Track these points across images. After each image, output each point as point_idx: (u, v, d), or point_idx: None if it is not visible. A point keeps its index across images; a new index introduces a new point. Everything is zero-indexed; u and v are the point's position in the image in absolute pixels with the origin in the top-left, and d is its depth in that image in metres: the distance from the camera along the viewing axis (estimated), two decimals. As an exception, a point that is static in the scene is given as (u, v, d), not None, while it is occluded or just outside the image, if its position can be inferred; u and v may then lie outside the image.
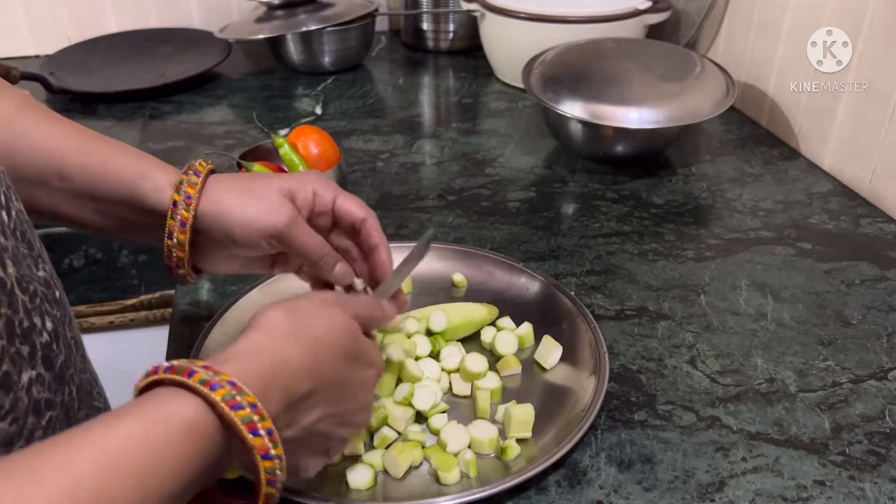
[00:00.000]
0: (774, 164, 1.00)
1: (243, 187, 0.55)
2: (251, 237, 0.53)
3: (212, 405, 0.37)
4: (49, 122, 0.54)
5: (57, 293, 0.47)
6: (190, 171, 0.53)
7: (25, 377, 0.40)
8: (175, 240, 0.53)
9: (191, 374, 0.37)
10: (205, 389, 0.37)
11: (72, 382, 0.46)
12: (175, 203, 0.52)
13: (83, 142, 0.54)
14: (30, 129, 0.53)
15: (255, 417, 0.38)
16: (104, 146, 0.54)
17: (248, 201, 0.53)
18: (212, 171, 0.55)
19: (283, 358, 0.42)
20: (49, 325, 0.44)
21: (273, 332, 0.43)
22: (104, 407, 0.54)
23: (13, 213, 0.44)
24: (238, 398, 0.37)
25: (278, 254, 0.59)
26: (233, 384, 0.37)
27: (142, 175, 0.53)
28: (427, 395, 0.59)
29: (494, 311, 0.69)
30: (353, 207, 0.57)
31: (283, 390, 0.41)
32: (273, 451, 0.39)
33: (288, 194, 0.54)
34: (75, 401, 0.46)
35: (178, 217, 0.52)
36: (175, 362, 0.38)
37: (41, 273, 0.45)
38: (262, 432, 0.38)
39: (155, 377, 0.38)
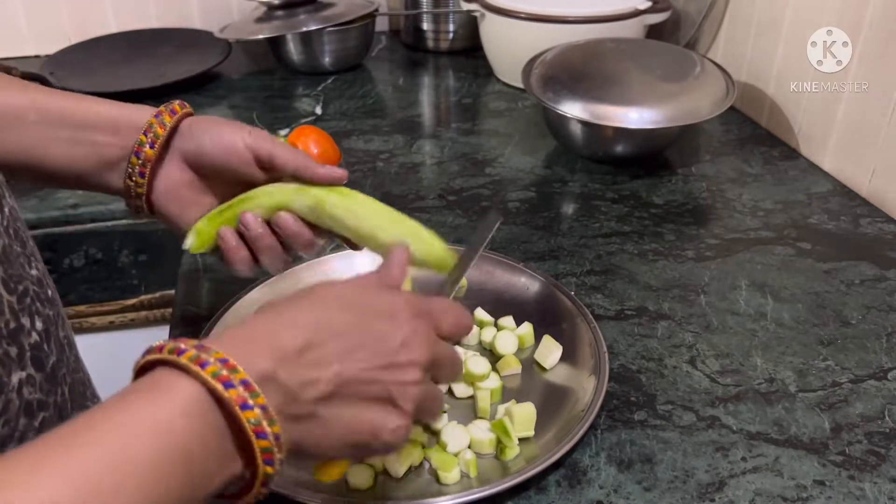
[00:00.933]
0: (774, 164, 1.00)
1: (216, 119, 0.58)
2: (223, 149, 0.54)
3: (203, 383, 0.35)
4: (8, 77, 0.57)
5: (49, 292, 0.47)
6: (168, 106, 0.56)
7: (15, 378, 0.40)
8: (142, 157, 0.54)
9: (181, 352, 0.36)
10: (195, 367, 0.35)
11: (64, 383, 0.46)
12: (150, 125, 0.55)
13: (53, 91, 0.57)
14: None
15: (246, 394, 0.36)
16: (76, 94, 0.57)
17: (221, 122, 0.56)
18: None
19: (263, 322, 0.40)
20: (39, 325, 0.43)
21: (259, 310, 0.42)
22: None
23: (6, 210, 0.44)
24: (230, 375, 0.36)
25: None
26: (224, 361, 0.36)
27: (118, 105, 0.56)
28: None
29: (453, 257, 0.61)
30: (289, 157, 0.56)
31: (269, 347, 0.39)
32: (268, 429, 0.36)
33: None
34: (68, 401, 0.46)
35: (152, 133, 0.54)
36: (164, 342, 0.37)
37: (34, 272, 0.45)
38: (254, 407, 0.36)
39: (149, 358, 0.37)
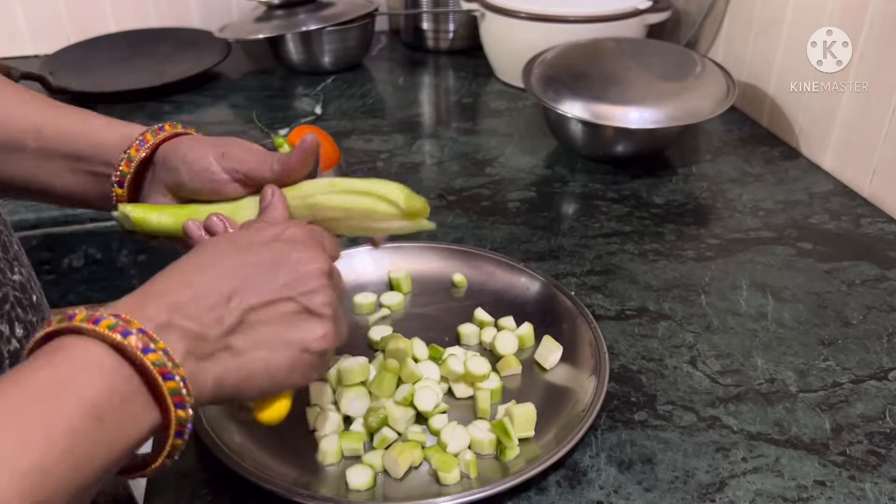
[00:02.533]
0: (775, 164, 1.00)
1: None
2: (198, 176, 0.52)
3: (101, 338, 0.36)
4: (15, 89, 0.56)
5: (34, 297, 0.46)
6: (142, 135, 0.54)
7: None
8: (115, 199, 0.53)
9: (71, 317, 0.36)
10: (89, 325, 0.36)
11: None
12: (120, 161, 0.53)
13: (56, 106, 0.56)
14: (5, 89, 0.54)
15: (147, 339, 0.36)
16: (78, 111, 0.56)
17: (193, 146, 0.53)
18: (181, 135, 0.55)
19: (150, 286, 0.41)
20: (19, 331, 0.43)
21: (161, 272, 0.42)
22: None
23: None
24: (126, 326, 0.36)
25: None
26: (117, 316, 0.36)
27: (112, 128, 0.55)
28: (429, 396, 0.59)
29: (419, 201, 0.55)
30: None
31: (161, 302, 0.39)
32: (174, 371, 0.37)
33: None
34: None
35: (118, 173, 0.53)
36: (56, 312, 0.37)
37: (16, 276, 0.44)
38: (155, 350, 0.36)
39: (41, 333, 0.37)
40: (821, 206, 0.90)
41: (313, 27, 1.25)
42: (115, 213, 0.53)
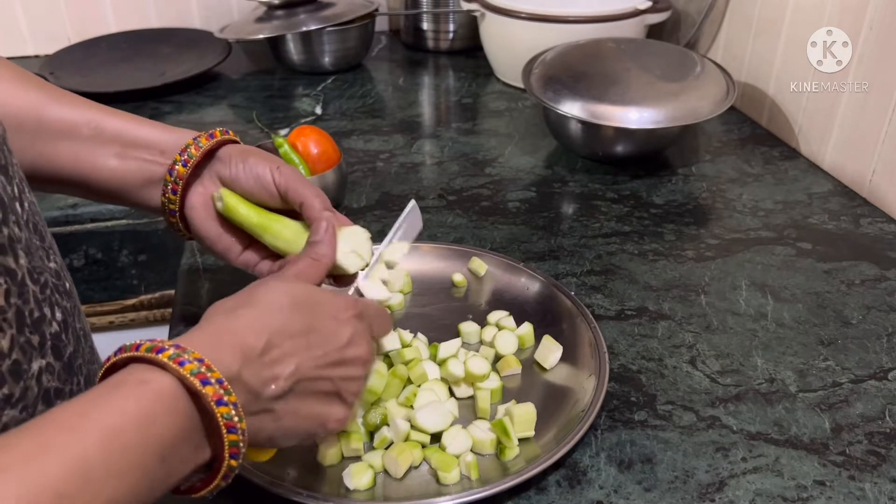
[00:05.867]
0: (774, 164, 1.00)
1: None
2: (255, 180, 0.57)
3: (181, 379, 0.38)
4: (64, 91, 0.60)
5: (67, 284, 0.48)
6: (208, 131, 0.59)
7: (35, 366, 0.41)
8: (174, 175, 0.57)
9: (160, 350, 0.38)
10: (174, 365, 0.38)
11: (80, 373, 0.47)
12: (187, 146, 0.57)
13: (105, 107, 0.60)
14: (55, 87, 0.59)
15: (221, 391, 0.39)
16: (128, 113, 0.60)
17: (256, 154, 0.59)
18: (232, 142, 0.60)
19: (226, 324, 0.43)
20: (59, 315, 0.45)
21: (215, 312, 0.45)
22: None
23: (26, 204, 0.45)
24: (207, 374, 0.38)
25: (252, 242, 0.61)
26: (201, 361, 0.39)
27: (168, 128, 0.60)
28: (434, 416, 0.58)
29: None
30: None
31: (236, 348, 0.41)
32: (238, 425, 0.39)
33: None
34: (84, 391, 0.47)
35: (186, 154, 0.57)
36: (140, 341, 0.39)
37: (52, 264, 0.46)
38: (227, 403, 0.39)
39: (124, 355, 0.39)
40: (820, 206, 0.90)
41: (313, 27, 1.25)
42: (215, 194, 0.59)
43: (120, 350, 0.40)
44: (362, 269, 0.57)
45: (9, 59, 0.59)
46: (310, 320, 0.46)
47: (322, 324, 0.46)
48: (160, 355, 0.38)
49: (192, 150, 0.57)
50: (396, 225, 0.61)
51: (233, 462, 0.40)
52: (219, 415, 0.39)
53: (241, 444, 0.40)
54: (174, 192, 0.58)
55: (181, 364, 0.38)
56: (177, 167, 0.57)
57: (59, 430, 0.34)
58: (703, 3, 1.20)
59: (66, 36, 1.40)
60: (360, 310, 0.50)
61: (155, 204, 0.59)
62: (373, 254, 0.59)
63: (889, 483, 0.54)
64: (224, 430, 0.39)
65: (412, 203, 0.63)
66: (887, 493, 0.54)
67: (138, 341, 0.39)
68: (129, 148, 0.58)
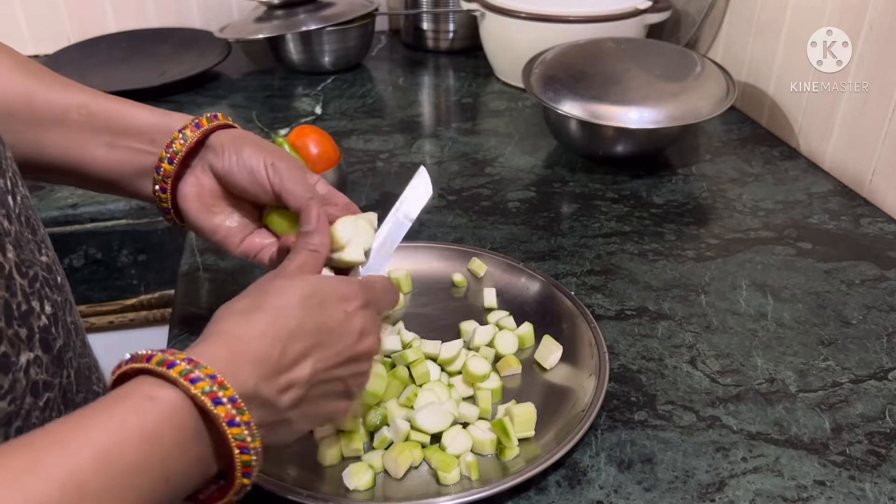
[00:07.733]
0: (774, 164, 1.00)
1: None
2: (248, 173, 0.55)
3: (192, 398, 0.37)
4: (55, 75, 0.58)
5: (59, 278, 0.48)
6: (195, 119, 0.57)
7: (23, 359, 0.41)
8: (161, 174, 0.56)
9: (171, 365, 0.37)
10: (185, 382, 0.37)
11: (70, 366, 0.47)
12: (173, 140, 0.56)
13: (97, 91, 0.58)
14: (48, 73, 0.57)
15: (234, 411, 0.38)
16: (118, 97, 0.58)
17: (249, 143, 0.57)
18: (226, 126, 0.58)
19: (240, 331, 0.42)
20: (48, 308, 0.44)
21: (227, 314, 0.44)
22: (103, 392, 0.54)
23: (18, 198, 0.45)
24: (219, 392, 0.37)
25: (251, 231, 0.59)
26: (213, 377, 0.38)
27: (159, 112, 0.58)
28: (434, 417, 0.58)
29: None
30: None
31: (253, 362, 0.41)
32: (251, 445, 0.39)
33: None
34: (73, 384, 0.47)
35: (171, 149, 0.55)
36: (151, 351, 0.38)
37: (44, 258, 0.46)
38: (240, 424, 0.38)
39: (134, 366, 0.38)
40: (820, 205, 0.90)
41: (313, 27, 1.25)
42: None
43: (131, 359, 0.39)
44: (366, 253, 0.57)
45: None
46: (322, 317, 0.45)
47: (333, 319, 0.46)
48: (171, 370, 0.37)
49: (177, 146, 0.55)
50: (404, 195, 0.61)
51: (245, 480, 0.39)
52: (231, 436, 0.38)
53: (255, 464, 0.39)
54: (163, 190, 0.56)
55: (193, 382, 0.37)
56: (163, 165, 0.55)
57: (52, 445, 0.33)
58: (703, 3, 1.20)
59: (66, 36, 1.40)
60: (367, 297, 0.49)
61: (149, 194, 0.58)
62: (375, 230, 0.59)
63: (889, 483, 0.54)
64: (236, 451, 0.38)
65: (422, 169, 0.62)
66: (887, 493, 0.54)
67: (150, 351, 0.38)
68: (120, 136, 0.56)
